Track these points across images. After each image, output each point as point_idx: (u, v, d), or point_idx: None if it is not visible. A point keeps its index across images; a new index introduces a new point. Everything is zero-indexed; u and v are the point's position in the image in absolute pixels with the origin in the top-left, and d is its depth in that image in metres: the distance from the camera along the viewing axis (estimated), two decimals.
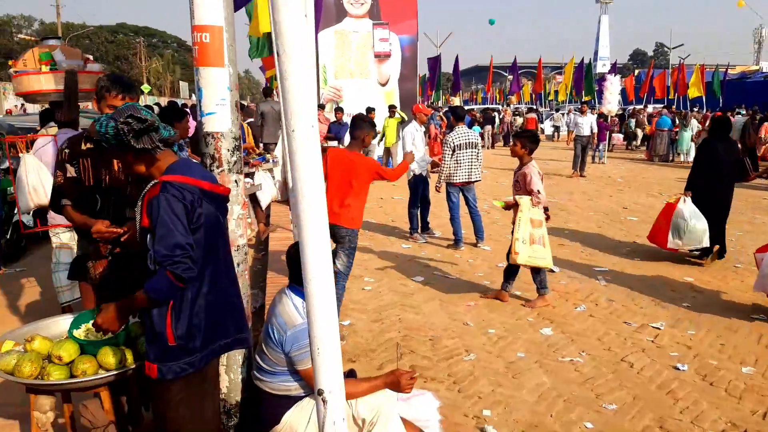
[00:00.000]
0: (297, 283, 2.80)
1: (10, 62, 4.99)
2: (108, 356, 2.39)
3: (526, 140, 5.71)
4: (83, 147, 2.93)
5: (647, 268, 7.13)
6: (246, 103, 22.67)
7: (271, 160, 9.50)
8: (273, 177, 8.95)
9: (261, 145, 11.55)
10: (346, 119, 14.97)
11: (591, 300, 5.98)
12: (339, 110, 14.52)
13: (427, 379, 4.23)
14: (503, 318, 5.47)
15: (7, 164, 7.07)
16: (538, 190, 5.48)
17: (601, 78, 27.20)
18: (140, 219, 2.25)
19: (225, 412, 2.94)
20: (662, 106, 26.94)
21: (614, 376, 4.32)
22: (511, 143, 6.12)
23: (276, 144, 10.53)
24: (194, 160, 2.48)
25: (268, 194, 8.61)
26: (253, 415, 2.90)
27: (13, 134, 8.54)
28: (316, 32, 8.21)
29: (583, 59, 30.59)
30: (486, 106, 36.78)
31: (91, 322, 2.59)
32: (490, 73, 37.35)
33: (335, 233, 4.99)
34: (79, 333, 2.51)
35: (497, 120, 28.01)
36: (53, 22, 49.88)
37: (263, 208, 8.61)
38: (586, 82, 28.63)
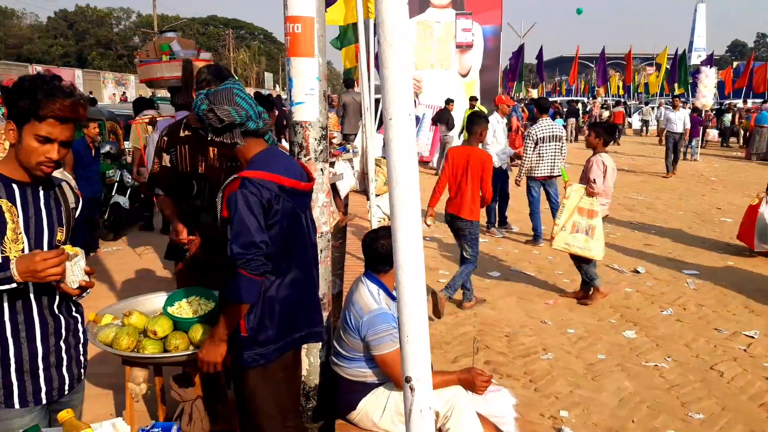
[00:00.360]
0: (372, 270, 2.83)
1: (135, 53, 5.59)
2: (199, 333, 2.49)
3: (601, 130, 5.65)
4: (181, 134, 3.06)
5: (740, 273, 6.70)
6: (328, 94, 23.06)
7: (351, 150, 9.64)
8: (352, 167, 9.08)
9: (336, 134, 11.67)
10: (420, 111, 14.92)
11: (679, 304, 5.70)
12: None
13: (502, 376, 4.17)
14: (584, 318, 5.31)
15: (107, 148, 7.53)
16: (594, 180, 5.45)
17: (696, 70, 25.65)
18: (220, 209, 2.31)
19: (304, 395, 3.02)
20: (762, 100, 25.11)
21: (702, 384, 4.10)
22: (586, 133, 6.12)
23: (356, 135, 10.67)
24: (281, 150, 2.48)
25: (347, 184, 8.75)
26: (330, 399, 2.97)
27: (113, 120, 9.10)
28: None
29: (677, 50, 28.96)
30: (570, 98, 35.64)
31: (183, 300, 2.73)
32: (575, 63, 36.12)
33: (454, 224, 5.33)
34: (173, 310, 2.64)
35: (581, 112, 27.06)
36: (149, 14, 52.60)
37: (342, 198, 8.75)
38: (679, 74, 27.08)
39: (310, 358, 3.00)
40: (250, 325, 2.30)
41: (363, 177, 9.34)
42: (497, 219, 8.48)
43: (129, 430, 1.68)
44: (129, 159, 8.38)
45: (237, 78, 2.92)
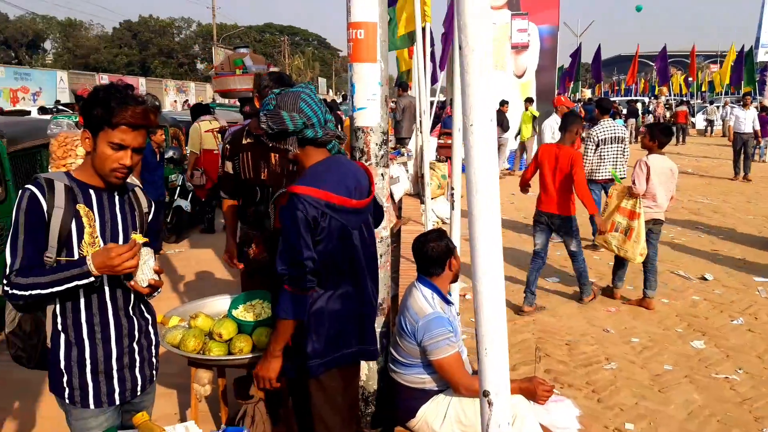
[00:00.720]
0: (425, 274, 2.80)
1: (208, 66, 6.05)
2: (262, 336, 2.53)
3: (656, 132, 5.48)
4: (244, 141, 3.12)
5: None
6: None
7: (405, 154, 9.63)
8: (407, 170, 9.07)
9: (390, 138, 11.64)
10: None
11: (749, 313, 5.42)
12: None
13: (563, 385, 4.06)
14: (648, 326, 5.12)
15: (170, 153, 7.76)
16: (633, 181, 5.39)
17: (764, 68, 24.44)
18: (273, 221, 2.30)
19: (363, 399, 3.02)
20: None
21: None
22: (641, 135, 6.09)
23: (410, 138, 10.66)
24: (343, 160, 2.39)
25: (401, 187, 8.75)
26: (390, 405, 2.95)
27: (176, 126, 9.40)
28: (452, 25, 8.23)
29: (743, 47, 27.69)
30: (629, 98, 34.59)
31: (247, 303, 2.77)
32: (634, 62, 35.02)
33: (552, 221, 5.50)
34: (237, 313, 2.69)
35: (640, 112, 26.20)
36: (209, 23, 54.18)
37: (396, 201, 8.74)
38: (746, 72, 25.85)
39: (369, 362, 2.99)
40: (295, 338, 2.27)
41: (417, 180, 9.31)
42: None
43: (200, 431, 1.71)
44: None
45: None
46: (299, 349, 2.28)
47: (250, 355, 2.52)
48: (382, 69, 2.71)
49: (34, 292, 1.85)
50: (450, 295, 2.86)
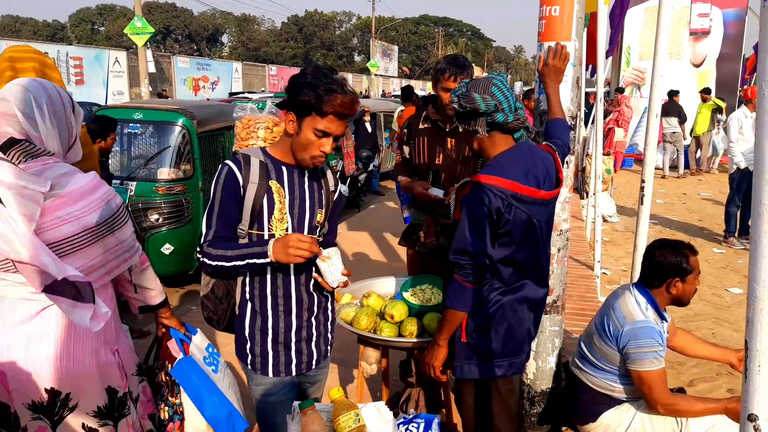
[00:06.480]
0: (644, 283, 2.54)
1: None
2: (434, 322, 2.48)
3: None
4: (421, 126, 3.09)
5: None
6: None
7: None
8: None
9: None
10: (642, 104, 13.73)
11: None
12: None
13: None
14: None
15: None
16: None
17: None
18: (453, 211, 2.23)
19: (528, 399, 2.88)
20: None
21: None
22: None
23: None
24: (531, 147, 2.24)
25: None
26: (566, 403, 2.76)
27: None
28: (625, 11, 7.61)
29: None
30: None
31: (417, 287, 2.75)
32: None
33: None
34: (408, 296, 2.68)
35: None
36: (368, 16, 55.94)
37: None
38: None
39: (539, 361, 2.83)
40: (470, 332, 2.18)
41: (576, 173, 8.83)
42: (738, 227, 7.43)
43: (391, 415, 1.69)
44: None
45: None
46: (477, 348, 2.19)
47: (419, 339, 2.48)
48: (576, 48, 2.52)
49: (219, 263, 1.93)
50: (665, 311, 2.56)
